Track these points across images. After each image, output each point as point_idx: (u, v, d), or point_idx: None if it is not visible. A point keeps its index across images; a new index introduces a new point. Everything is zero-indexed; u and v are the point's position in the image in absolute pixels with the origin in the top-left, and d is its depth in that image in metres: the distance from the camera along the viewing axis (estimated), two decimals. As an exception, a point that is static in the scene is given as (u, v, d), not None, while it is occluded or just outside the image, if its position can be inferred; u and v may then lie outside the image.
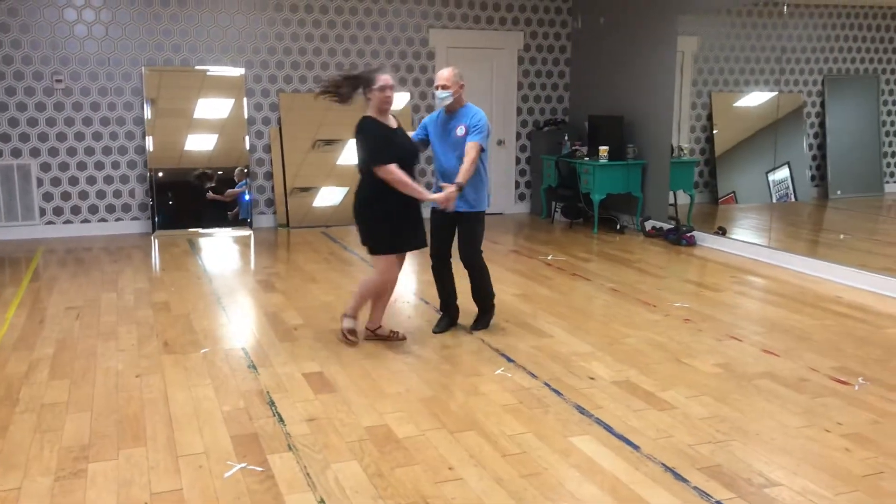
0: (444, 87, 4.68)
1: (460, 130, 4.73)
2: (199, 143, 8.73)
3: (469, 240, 4.93)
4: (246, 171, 8.81)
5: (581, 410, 3.84)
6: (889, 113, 8.86)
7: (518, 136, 10.12)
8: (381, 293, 4.80)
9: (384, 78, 4.49)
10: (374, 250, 4.67)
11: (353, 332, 4.82)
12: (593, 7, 9.62)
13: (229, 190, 8.77)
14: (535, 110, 10.14)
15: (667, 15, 8.42)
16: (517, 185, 10.24)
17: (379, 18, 9.22)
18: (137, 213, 8.70)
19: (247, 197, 8.85)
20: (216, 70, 8.73)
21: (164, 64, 8.54)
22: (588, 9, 9.73)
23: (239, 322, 5.33)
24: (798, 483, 3.13)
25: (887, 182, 9.07)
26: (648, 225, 8.67)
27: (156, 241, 8.22)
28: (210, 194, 8.69)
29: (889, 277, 6.14)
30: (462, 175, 4.61)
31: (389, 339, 4.88)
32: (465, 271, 4.99)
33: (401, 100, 9.39)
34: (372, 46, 9.23)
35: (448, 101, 4.72)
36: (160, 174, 8.54)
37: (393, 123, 4.63)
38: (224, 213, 8.75)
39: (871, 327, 5.23)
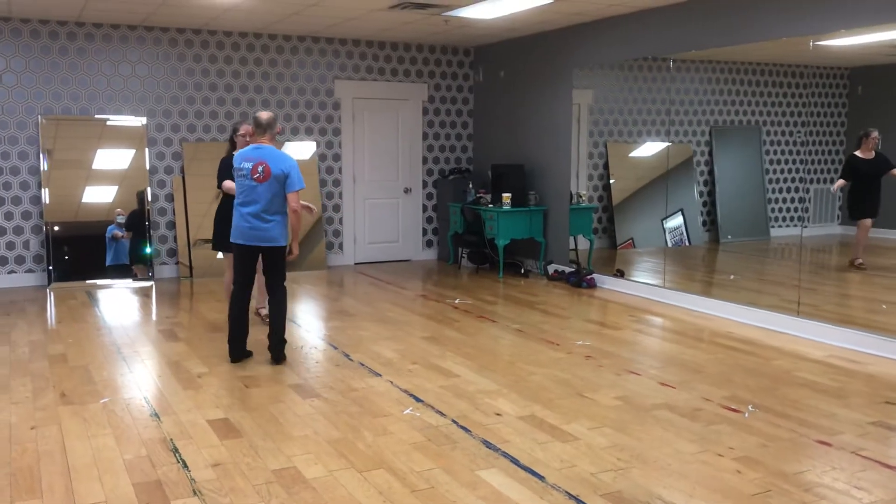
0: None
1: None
2: (99, 195, 8.52)
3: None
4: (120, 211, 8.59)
5: (488, 445, 3.91)
6: (771, 161, 9.45)
7: (424, 184, 10.30)
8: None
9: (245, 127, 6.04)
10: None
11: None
12: (494, 60, 9.97)
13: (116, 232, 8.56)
14: (440, 159, 10.36)
15: (563, 69, 8.80)
16: (424, 231, 10.38)
17: (284, 69, 9.29)
18: (32, 266, 8.39)
19: (149, 249, 8.65)
20: (116, 120, 8.59)
21: (62, 113, 8.36)
22: (489, 62, 10.07)
23: (140, 371, 5.20)
24: (693, 504, 3.27)
25: (772, 227, 9.64)
26: (551, 268, 8.92)
27: (52, 293, 7.93)
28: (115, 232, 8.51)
29: (775, 313, 6.50)
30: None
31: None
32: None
33: (307, 149, 9.45)
34: (277, 97, 9.28)
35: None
36: (56, 227, 8.27)
37: None
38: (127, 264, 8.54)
39: (759, 359, 5.52)
